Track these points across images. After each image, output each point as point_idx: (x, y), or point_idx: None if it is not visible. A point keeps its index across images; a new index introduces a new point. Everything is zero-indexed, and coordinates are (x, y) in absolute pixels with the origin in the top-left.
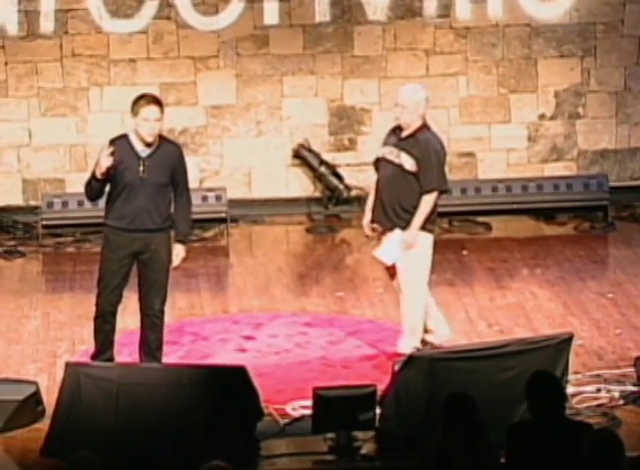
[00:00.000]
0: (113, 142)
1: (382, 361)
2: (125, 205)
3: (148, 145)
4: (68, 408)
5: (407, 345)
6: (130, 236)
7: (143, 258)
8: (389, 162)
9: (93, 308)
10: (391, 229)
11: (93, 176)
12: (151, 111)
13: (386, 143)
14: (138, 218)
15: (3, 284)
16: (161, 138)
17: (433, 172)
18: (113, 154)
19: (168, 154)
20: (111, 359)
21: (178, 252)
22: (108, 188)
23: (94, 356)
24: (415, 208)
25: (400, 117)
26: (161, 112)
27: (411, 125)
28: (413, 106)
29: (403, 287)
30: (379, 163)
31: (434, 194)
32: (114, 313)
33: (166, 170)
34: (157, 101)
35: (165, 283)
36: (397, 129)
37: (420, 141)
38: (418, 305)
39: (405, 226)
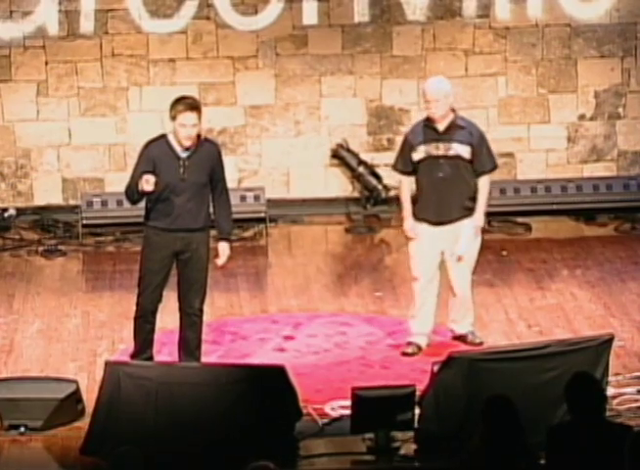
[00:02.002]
0: (151, 143)
1: (421, 361)
2: (166, 205)
3: (187, 148)
4: (107, 407)
5: (469, 324)
6: (171, 236)
7: (183, 258)
8: (442, 157)
9: (133, 308)
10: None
11: (136, 187)
12: (188, 117)
13: (423, 142)
14: (179, 218)
15: (44, 283)
16: (199, 137)
17: (486, 153)
18: (156, 184)
19: (207, 153)
20: (150, 359)
21: (224, 249)
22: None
23: (133, 356)
24: (476, 193)
25: (436, 112)
26: (199, 117)
27: (446, 116)
28: (444, 98)
29: (466, 273)
30: (421, 163)
31: (490, 174)
32: (154, 313)
33: (206, 170)
34: (194, 107)
35: (205, 282)
36: (426, 126)
37: (465, 127)
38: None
39: (470, 214)
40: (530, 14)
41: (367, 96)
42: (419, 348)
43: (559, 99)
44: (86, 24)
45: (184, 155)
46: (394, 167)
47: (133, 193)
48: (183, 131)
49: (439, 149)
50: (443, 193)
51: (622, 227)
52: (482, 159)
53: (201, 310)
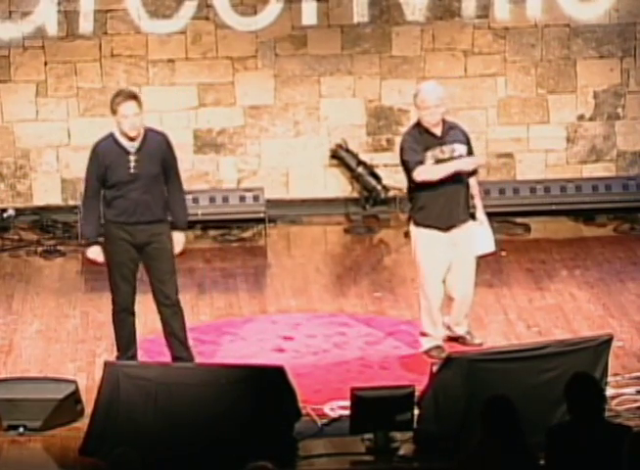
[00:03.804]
0: (99, 143)
1: (420, 362)
2: (123, 200)
3: (133, 139)
4: (106, 407)
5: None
6: (132, 229)
7: (149, 250)
8: (447, 160)
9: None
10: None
11: (87, 215)
12: (128, 106)
13: (427, 148)
14: (137, 212)
15: (43, 283)
16: (146, 129)
17: (472, 152)
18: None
19: (156, 144)
20: (135, 355)
21: (179, 239)
22: (105, 186)
23: (120, 355)
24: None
25: (435, 118)
26: (139, 105)
27: (440, 119)
28: (442, 102)
29: (471, 273)
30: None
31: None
32: (133, 304)
33: (157, 161)
34: (132, 96)
35: (175, 272)
36: (425, 132)
37: (456, 127)
38: None
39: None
40: (530, 14)
41: (366, 96)
42: (441, 347)
43: (558, 99)
44: (85, 25)
45: (133, 149)
46: (417, 164)
47: (82, 225)
48: (126, 122)
49: (445, 152)
50: (453, 196)
51: (621, 228)
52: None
53: (178, 300)
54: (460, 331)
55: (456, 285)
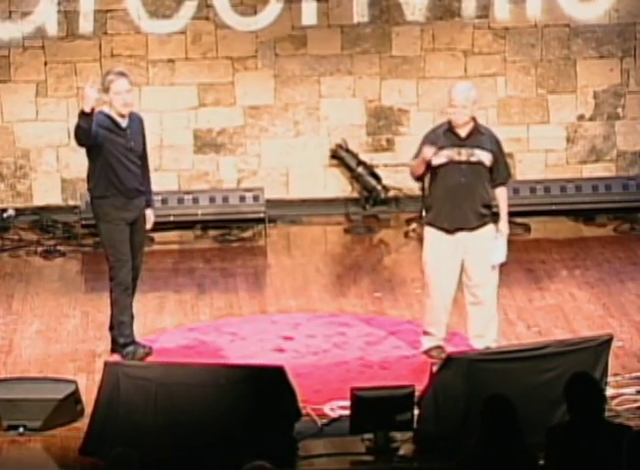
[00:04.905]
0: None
1: (420, 362)
2: (121, 174)
3: (123, 116)
4: (106, 407)
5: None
6: (130, 204)
7: (136, 225)
8: (464, 162)
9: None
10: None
11: (82, 113)
12: (121, 83)
13: (445, 146)
14: (135, 185)
15: (43, 283)
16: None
17: (503, 162)
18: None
19: (138, 123)
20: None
21: (149, 216)
22: (98, 162)
23: (123, 333)
24: (490, 201)
25: (460, 118)
26: (130, 83)
27: (468, 122)
28: (471, 105)
29: (485, 281)
30: (441, 168)
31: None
32: (132, 281)
33: (141, 139)
34: (123, 73)
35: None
36: (449, 131)
37: (485, 134)
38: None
39: (488, 222)
40: (530, 14)
41: (366, 96)
42: (441, 348)
43: (558, 99)
44: (85, 25)
45: (124, 125)
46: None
47: (79, 126)
48: (120, 99)
49: (462, 155)
50: (460, 199)
51: (621, 228)
52: (501, 168)
53: (140, 274)
54: (477, 345)
55: (469, 291)
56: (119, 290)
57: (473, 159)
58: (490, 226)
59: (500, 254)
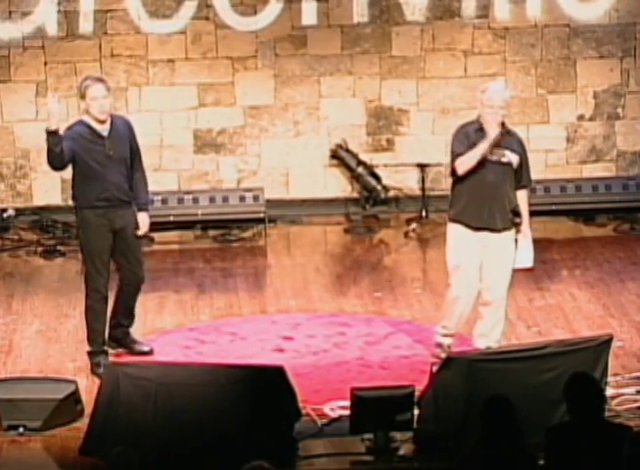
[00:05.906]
0: (71, 128)
1: (420, 362)
2: (100, 184)
3: (103, 123)
4: (106, 407)
5: (496, 337)
6: (112, 213)
7: (124, 234)
8: (495, 162)
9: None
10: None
11: (48, 133)
12: (97, 89)
13: (475, 145)
14: (116, 195)
15: (42, 283)
16: (111, 115)
17: (527, 166)
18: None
19: (124, 128)
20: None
21: (144, 220)
22: (77, 172)
23: (93, 350)
24: (516, 205)
25: (499, 118)
26: (107, 89)
27: (500, 121)
28: (506, 104)
29: (500, 282)
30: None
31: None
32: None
33: (126, 144)
34: (100, 79)
35: (142, 250)
36: (479, 128)
37: (513, 135)
38: None
39: (510, 227)
40: (530, 14)
41: (366, 96)
42: (449, 345)
43: (558, 99)
44: (85, 25)
45: (105, 132)
46: (458, 156)
47: (50, 149)
48: (96, 105)
49: (493, 154)
50: (489, 198)
51: (621, 228)
52: (527, 170)
53: (144, 277)
54: (479, 344)
55: (482, 291)
56: (94, 297)
57: (504, 159)
58: (512, 232)
59: (526, 257)
